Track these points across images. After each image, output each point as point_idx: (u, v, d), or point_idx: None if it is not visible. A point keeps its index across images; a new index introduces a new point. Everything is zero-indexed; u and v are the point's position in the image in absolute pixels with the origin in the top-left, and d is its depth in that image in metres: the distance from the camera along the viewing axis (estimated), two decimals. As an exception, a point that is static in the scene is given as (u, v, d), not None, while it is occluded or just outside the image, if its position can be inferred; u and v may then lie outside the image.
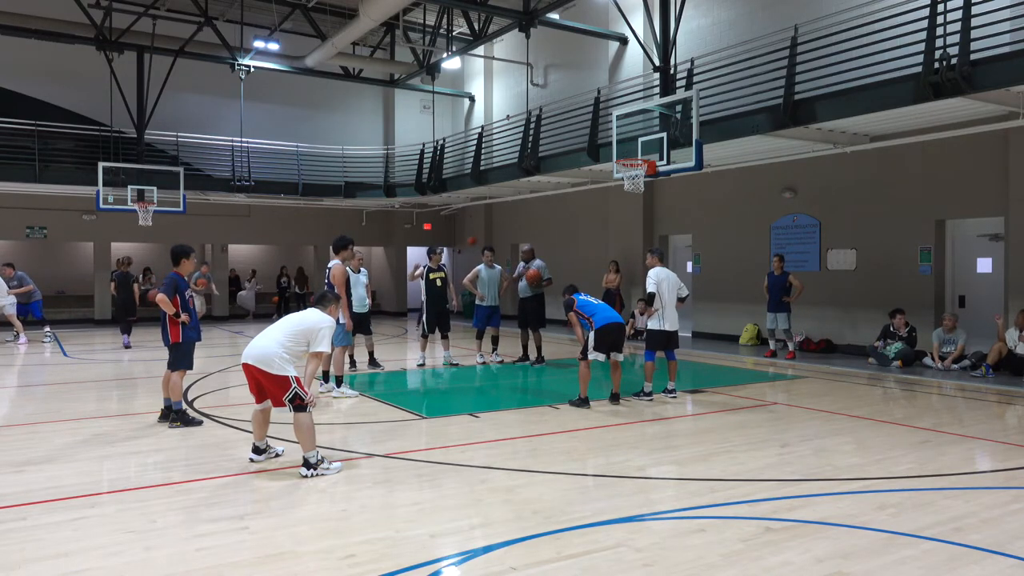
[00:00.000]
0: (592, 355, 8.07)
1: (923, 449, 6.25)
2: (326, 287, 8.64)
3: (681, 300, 8.79)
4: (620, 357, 8.23)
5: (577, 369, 8.34)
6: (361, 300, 10.28)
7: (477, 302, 11.78)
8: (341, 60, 18.97)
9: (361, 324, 10.33)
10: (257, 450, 5.82)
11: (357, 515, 4.60)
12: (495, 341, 12.01)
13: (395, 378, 10.64)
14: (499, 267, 11.97)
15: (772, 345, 12.53)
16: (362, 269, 10.45)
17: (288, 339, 5.56)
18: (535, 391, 10.01)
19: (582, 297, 8.42)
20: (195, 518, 4.54)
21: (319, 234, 21.94)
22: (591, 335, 8.08)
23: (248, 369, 5.59)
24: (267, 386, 5.54)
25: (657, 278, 8.57)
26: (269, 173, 20.10)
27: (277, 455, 5.92)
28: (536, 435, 6.85)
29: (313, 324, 5.68)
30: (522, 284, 11.66)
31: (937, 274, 11.82)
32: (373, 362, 11.23)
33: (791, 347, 12.26)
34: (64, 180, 17.54)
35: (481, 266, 11.79)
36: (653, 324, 8.60)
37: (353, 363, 10.93)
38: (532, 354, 11.83)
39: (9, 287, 14.74)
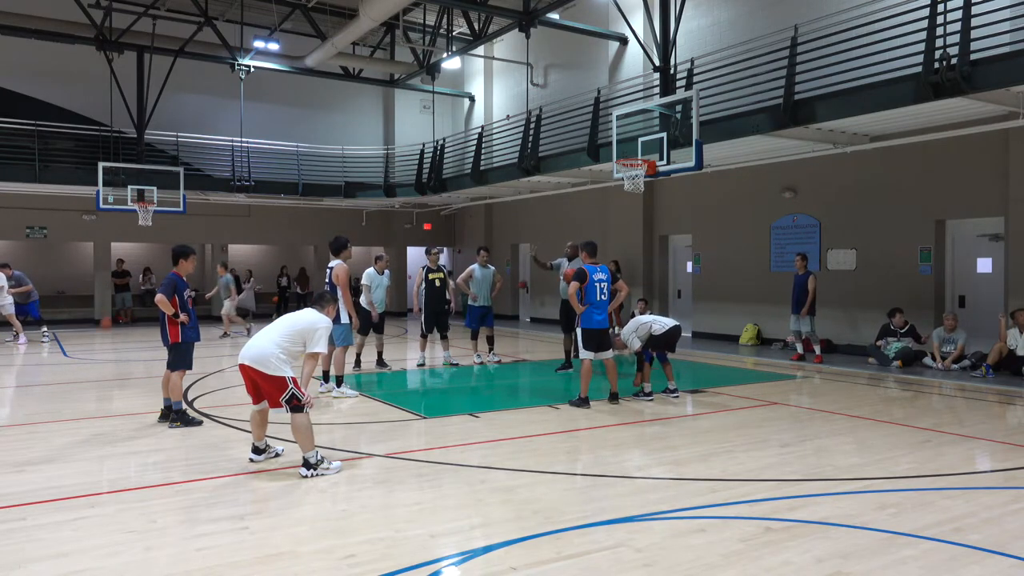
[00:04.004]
0: (583, 354, 8.10)
1: (923, 449, 6.25)
2: (327, 287, 8.64)
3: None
4: (608, 355, 8.25)
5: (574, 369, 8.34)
6: (380, 301, 10.55)
7: (470, 302, 11.74)
8: (341, 60, 18.98)
9: (376, 324, 10.52)
10: (257, 450, 5.82)
11: (357, 515, 4.60)
12: (490, 341, 11.99)
13: (395, 378, 10.64)
14: (493, 267, 11.94)
15: (799, 348, 12.30)
16: (386, 271, 10.65)
17: (285, 339, 5.55)
18: (535, 391, 10.01)
19: (594, 277, 8.11)
20: (195, 518, 4.54)
21: (319, 234, 21.94)
22: (579, 333, 8.12)
23: (245, 370, 5.58)
24: (264, 387, 5.54)
25: (641, 322, 8.63)
26: (269, 173, 20.11)
27: (277, 455, 5.92)
28: (536, 435, 6.85)
29: (310, 324, 5.67)
30: (563, 285, 10.72)
31: (937, 274, 11.81)
32: (381, 362, 11.24)
33: (799, 349, 12.23)
34: (64, 180, 17.55)
35: (475, 265, 11.73)
36: (658, 332, 8.54)
37: (358, 363, 10.94)
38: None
39: (7, 287, 14.74)
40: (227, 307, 16.61)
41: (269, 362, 5.44)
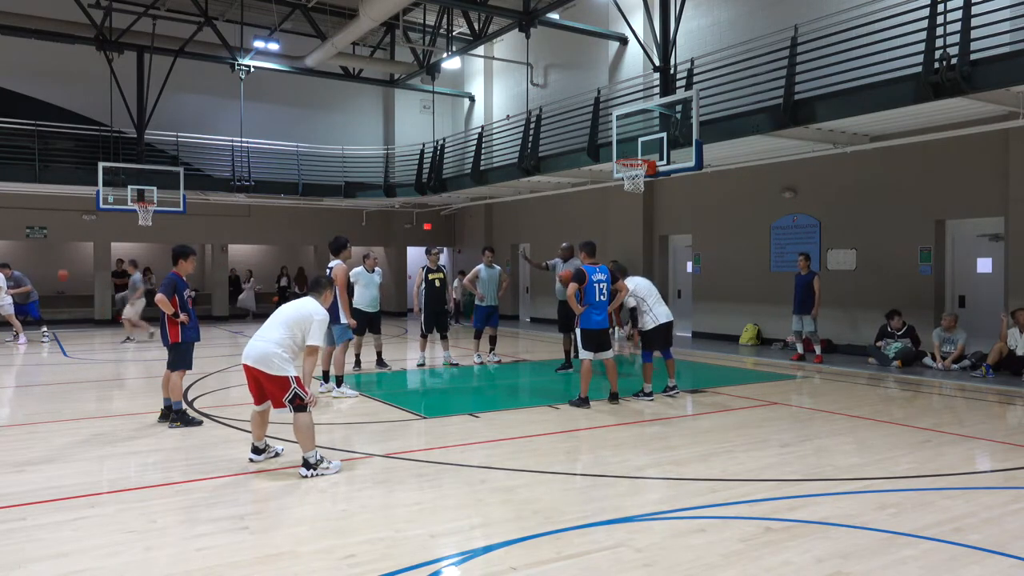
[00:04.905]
0: (583, 354, 8.11)
1: (923, 449, 6.25)
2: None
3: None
4: (608, 355, 8.25)
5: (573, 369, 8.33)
6: (373, 300, 10.49)
7: (477, 302, 11.76)
8: (341, 60, 18.98)
9: (372, 323, 10.51)
10: (256, 450, 5.82)
11: (357, 515, 4.60)
12: (492, 341, 12.00)
13: (395, 378, 10.64)
14: (498, 267, 11.96)
15: (799, 348, 12.28)
16: (376, 269, 10.64)
17: (283, 334, 5.51)
18: (535, 391, 10.01)
19: (594, 277, 8.09)
20: (195, 518, 4.54)
21: (319, 234, 21.94)
22: (579, 333, 8.14)
23: (248, 370, 5.58)
24: (267, 387, 5.53)
25: (633, 286, 8.59)
26: (269, 173, 20.11)
27: (276, 455, 5.91)
28: (536, 435, 6.85)
29: (306, 315, 5.57)
30: (559, 286, 10.82)
31: (937, 274, 11.81)
32: (381, 362, 11.24)
33: (799, 349, 12.23)
34: (64, 180, 17.54)
35: (481, 266, 11.77)
36: (649, 324, 8.58)
37: (358, 363, 10.95)
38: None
39: (6, 287, 14.75)
40: (129, 311, 15.01)
41: (272, 362, 5.44)
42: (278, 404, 5.52)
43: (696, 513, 4.62)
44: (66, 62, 18.61)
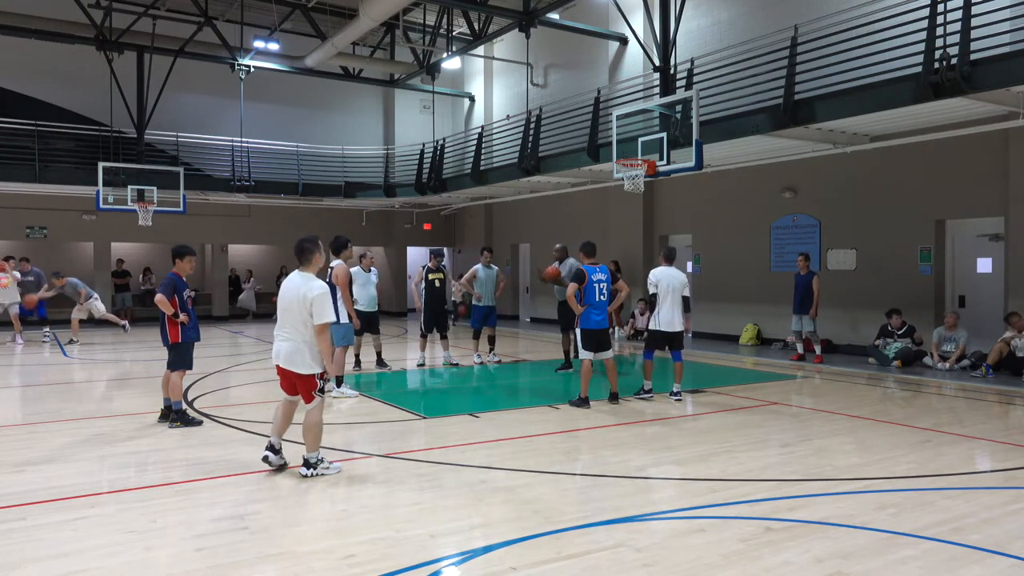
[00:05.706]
0: (583, 354, 8.11)
1: (923, 449, 6.25)
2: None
3: (685, 304, 8.76)
4: (608, 355, 8.25)
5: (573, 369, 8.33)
6: (371, 299, 10.50)
7: (474, 302, 11.78)
8: (341, 60, 18.99)
9: (370, 323, 10.52)
10: (273, 448, 5.54)
11: (357, 515, 4.60)
12: (492, 341, 12.01)
13: (395, 378, 10.64)
14: (496, 267, 11.96)
15: (799, 348, 12.28)
16: (372, 268, 10.65)
17: (296, 325, 5.44)
18: (535, 391, 10.01)
19: (593, 277, 8.10)
20: (195, 518, 4.54)
21: (319, 234, 21.55)
22: (579, 334, 8.14)
23: (281, 371, 5.59)
24: (299, 385, 5.55)
25: (656, 278, 8.55)
26: (269, 173, 20.11)
27: (283, 466, 5.66)
28: (536, 435, 6.85)
29: (300, 296, 5.40)
30: (558, 287, 10.84)
31: (937, 274, 11.81)
32: (381, 362, 11.24)
33: (799, 349, 12.23)
34: (64, 180, 17.55)
35: (479, 266, 11.78)
36: (651, 324, 8.61)
37: (358, 363, 10.96)
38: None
39: (23, 280, 14.85)
40: (99, 309, 15.17)
41: (303, 360, 5.44)
42: (308, 399, 5.52)
43: (696, 513, 4.62)
44: (66, 62, 18.61)
